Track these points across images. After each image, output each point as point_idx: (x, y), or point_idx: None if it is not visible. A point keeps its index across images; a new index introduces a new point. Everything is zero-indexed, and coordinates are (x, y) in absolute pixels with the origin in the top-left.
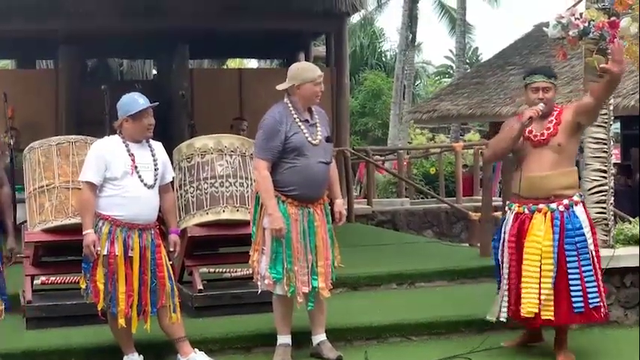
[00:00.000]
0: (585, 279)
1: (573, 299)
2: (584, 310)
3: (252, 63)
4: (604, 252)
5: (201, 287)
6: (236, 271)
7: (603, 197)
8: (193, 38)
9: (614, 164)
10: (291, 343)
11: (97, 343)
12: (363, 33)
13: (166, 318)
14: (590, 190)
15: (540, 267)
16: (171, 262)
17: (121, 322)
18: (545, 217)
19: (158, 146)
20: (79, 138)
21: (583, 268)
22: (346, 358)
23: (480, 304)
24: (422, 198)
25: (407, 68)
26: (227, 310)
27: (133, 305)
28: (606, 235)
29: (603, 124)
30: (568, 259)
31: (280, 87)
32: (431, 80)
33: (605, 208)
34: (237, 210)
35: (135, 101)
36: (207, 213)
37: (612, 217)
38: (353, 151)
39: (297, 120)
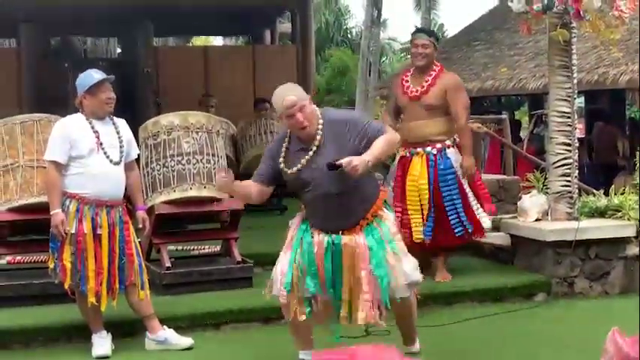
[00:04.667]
0: (457, 209)
1: (453, 226)
2: (464, 234)
3: (217, 40)
4: (569, 224)
5: (169, 265)
6: (204, 248)
7: (568, 170)
8: (158, 16)
9: (578, 139)
10: None
11: (65, 322)
12: (329, 10)
13: (135, 295)
14: (554, 163)
15: (420, 201)
16: (138, 240)
17: (91, 299)
18: (421, 159)
19: (122, 123)
20: (42, 116)
21: (455, 202)
22: None
23: None
24: None
25: (373, 45)
26: (195, 287)
27: (102, 283)
28: (571, 208)
29: (567, 98)
30: (443, 194)
31: None
32: (397, 57)
33: (569, 181)
34: (205, 187)
35: (90, 76)
36: (174, 190)
37: (577, 190)
38: None
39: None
